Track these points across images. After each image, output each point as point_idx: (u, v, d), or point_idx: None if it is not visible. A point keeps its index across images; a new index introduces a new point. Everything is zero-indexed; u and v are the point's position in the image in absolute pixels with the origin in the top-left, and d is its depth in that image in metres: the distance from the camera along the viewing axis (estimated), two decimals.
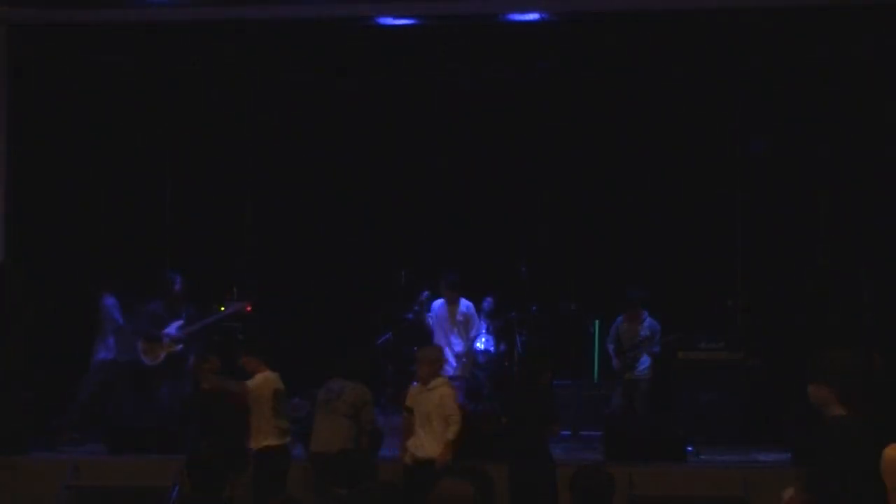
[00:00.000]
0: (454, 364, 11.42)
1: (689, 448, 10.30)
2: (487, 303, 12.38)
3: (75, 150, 11.96)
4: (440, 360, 9.61)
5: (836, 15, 10.70)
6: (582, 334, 12.59)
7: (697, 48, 11.73)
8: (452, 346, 11.48)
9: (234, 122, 13.19)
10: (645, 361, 11.69)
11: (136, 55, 11.86)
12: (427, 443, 8.98)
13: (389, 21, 11.08)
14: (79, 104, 11.90)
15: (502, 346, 12.22)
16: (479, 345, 12.03)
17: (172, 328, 11.12)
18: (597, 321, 12.41)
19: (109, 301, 11.37)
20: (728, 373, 11.53)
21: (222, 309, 11.64)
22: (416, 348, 10.77)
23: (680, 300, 12.49)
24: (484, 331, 12.12)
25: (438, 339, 11.49)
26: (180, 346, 11.07)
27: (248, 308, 11.86)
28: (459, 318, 11.58)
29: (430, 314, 11.81)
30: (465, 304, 11.64)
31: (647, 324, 11.71)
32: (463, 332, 11.61)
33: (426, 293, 12.14)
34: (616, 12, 10.96)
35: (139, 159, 12.61)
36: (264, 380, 9.01)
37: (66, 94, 11.74)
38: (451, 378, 10.43)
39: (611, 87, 12.79)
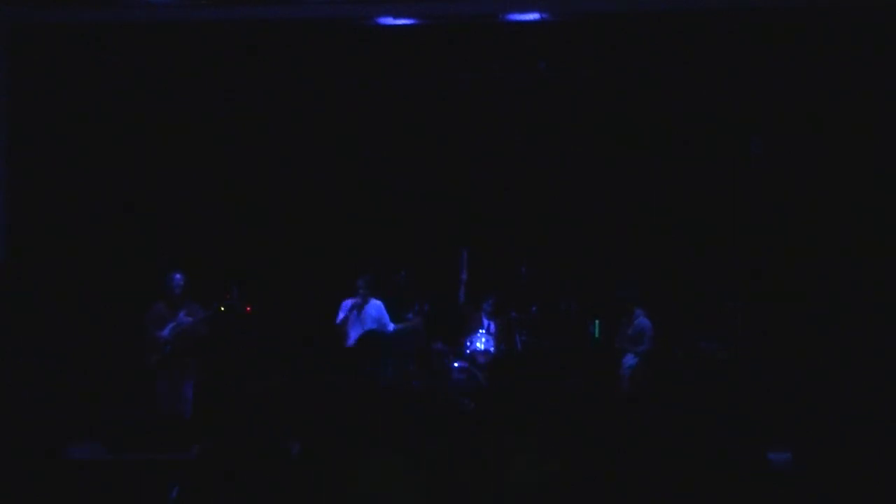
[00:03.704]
0: None
1: None
2: (488, 303, 12.40)
3: (76, 150, 11.97)
4: None
5: (836, 15, 10.72)
6: (582, 334, 12.60)
7: (697, 48, 11.74)
8: None
9: (233, 121, 13.19)
10: (629, 360, 11.64)
11: (136, 55, 11.86)
12: None
13: (389, 21, 11.09)
14: (79, 104, 11.91)
15: (502, 346, 12.23)
16: (480, 345, 12.05)
17: (167, 329, 11.13)
18: (597, 321, 12.41)
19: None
20: (728, 373, 11.53)
21: (222, 309, 11.63)
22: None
23: (680, 300, 12.49)
24: (485, 331, 12.14)
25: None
26: (168, 347, 11.08)
27: (248, 309, 11.86)
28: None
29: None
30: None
31: (637, 322, 11.62)
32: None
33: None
34: (616, 12, 10.97)
35: (139, 159, 12.62)
36: None
37: (66, 94, 11.75)
38: None
39: (611, 86, 12.79)
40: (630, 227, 13.18)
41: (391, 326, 11.87)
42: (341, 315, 11.83)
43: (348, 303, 11.85)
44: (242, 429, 9.12)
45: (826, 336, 11.21)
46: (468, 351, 12.10)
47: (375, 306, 11.83)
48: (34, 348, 10.94)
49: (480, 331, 12.27)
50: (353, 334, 11.64)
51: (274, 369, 9.37)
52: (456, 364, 11.76)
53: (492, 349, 12.17)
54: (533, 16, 11.05)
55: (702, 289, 12.71)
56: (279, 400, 9.11)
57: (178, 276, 11.26)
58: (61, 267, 11.65)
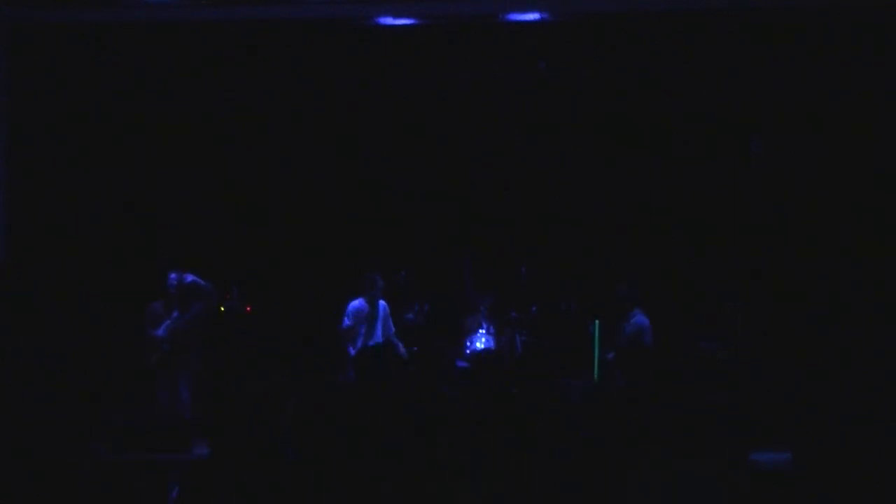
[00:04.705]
0: None
1: None
2: (487, 304, 12.40)
3: (76, 150, 11.97)
4: None
5: (836, 15, 10.73)
6: (582, 334, 12.59)
7: (697, 48, 11.74)
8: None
9: (233, 121, 13.20)
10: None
11: (136, 55, 11.87)
12: None
13: (389, 21, 11.10)
14: (79, 104, 11.91)
15: (503, 346, 12.23)
16: (479, 345, 12.05)
17: (161, 328, 11.10)
18: (597, 321, 12.41)
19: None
20: (728, 373, 11.52)
21: (222, 309, 11.63)
22: (415, 348, 10.77)
23: (680, 300, 12.49)
24: (485, 331, 12.14)
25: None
26: (166, 345, 11.05)
27: (248, 309, 11.86)
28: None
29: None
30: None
31: (634, 321, 11.51)
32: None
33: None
34: (616, 12, 10.97)
35: (139, 159, 12.63)
36: None
37: (66, 94, 11.75)
38: None
39: (611, 86, 12.80)
40: (630, 227, 13.18)
41: (393, 330, 11.75)
42: (348, 321, 11.54)
43: (357, 305, 11.62)
44: (242, 429, 9.13)
45: (826, 336, 11.21)
46: (468, 351, 12.10)
47: (384, 309, 11.69)
48: (34, 348, 10.94)
49: (480, 331, 12.27)
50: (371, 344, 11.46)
51: (274, 369, 9.37)
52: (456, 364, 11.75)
53: (492, 349, 12.17)
54: (533, 16, 11.05)
55: (702, 289, 12.70)
56: (279, 400, 9.12)
57: (172, 275, 11.22)
58: (61, 267, 11.64)
